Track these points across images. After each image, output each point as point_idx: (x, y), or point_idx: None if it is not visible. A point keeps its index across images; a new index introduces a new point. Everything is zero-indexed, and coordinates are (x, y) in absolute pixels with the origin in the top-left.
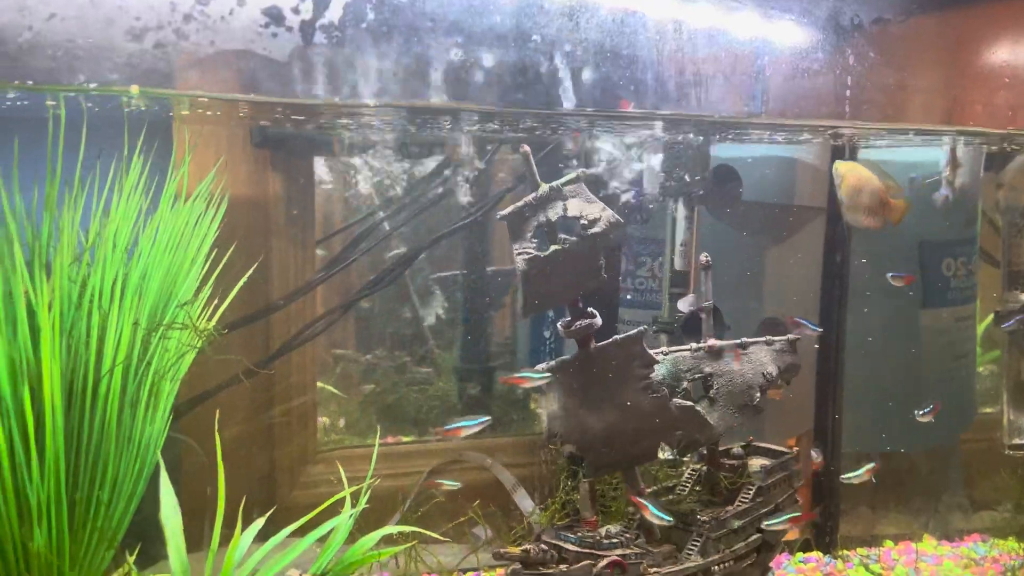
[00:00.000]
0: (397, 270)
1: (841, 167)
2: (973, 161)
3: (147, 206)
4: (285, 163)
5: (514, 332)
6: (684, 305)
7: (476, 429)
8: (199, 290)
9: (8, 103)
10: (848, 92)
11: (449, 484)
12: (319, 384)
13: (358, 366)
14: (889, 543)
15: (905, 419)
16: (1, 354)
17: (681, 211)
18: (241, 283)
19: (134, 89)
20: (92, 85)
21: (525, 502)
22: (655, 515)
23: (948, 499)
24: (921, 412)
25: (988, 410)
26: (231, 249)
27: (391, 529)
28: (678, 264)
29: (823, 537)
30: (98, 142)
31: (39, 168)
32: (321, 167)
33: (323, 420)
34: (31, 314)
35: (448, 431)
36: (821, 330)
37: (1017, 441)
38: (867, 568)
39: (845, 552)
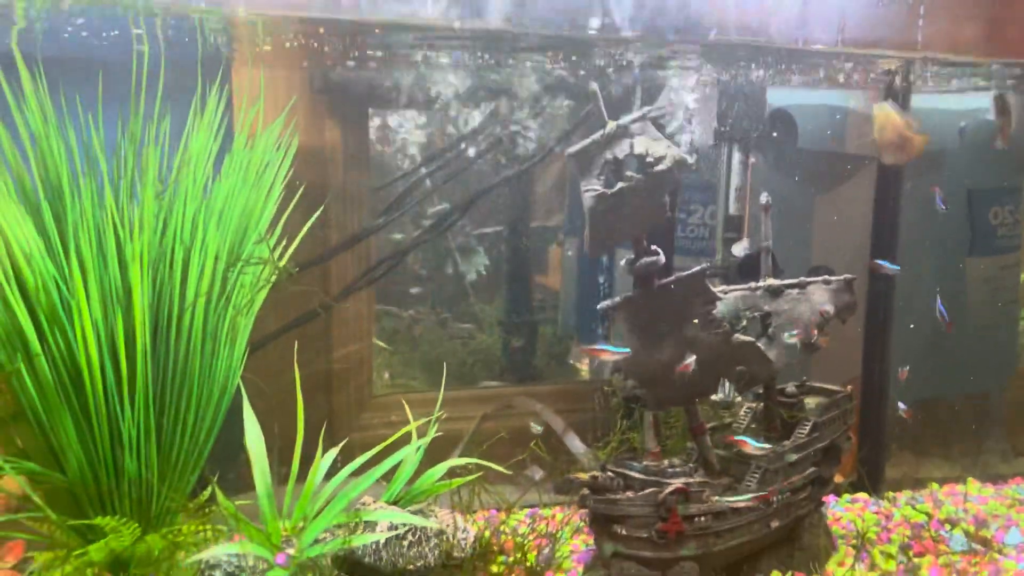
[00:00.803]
0: (448, 221)
1: (876, 109)
2: (1022, 109)
3: (220, 146)
4: (343, 109)
5: (557, 287)
6: (738, 249)
7: (616, 356)
8: (273, 227)
9: (98, 43)
10: (921, 22)
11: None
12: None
13: (402, 321)
14: (934, 485)
15: (950, 366)
16: (94, 284)
17: (736, 156)
18: (310, 222)
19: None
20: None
21: (575, 443)
22: (755, 447)
23: (991, 444)
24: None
25: None
26: (301, 190)
27: (458, 461)
28: (732, 209)
29: (871, 479)
30: (171, 86)
31: (122, 110)
32: (378, 114)
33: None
34: (119, 247)
35: (592, 350)
36: (898, 268)
37: None
38: (914, 507)
39: (892, 493)
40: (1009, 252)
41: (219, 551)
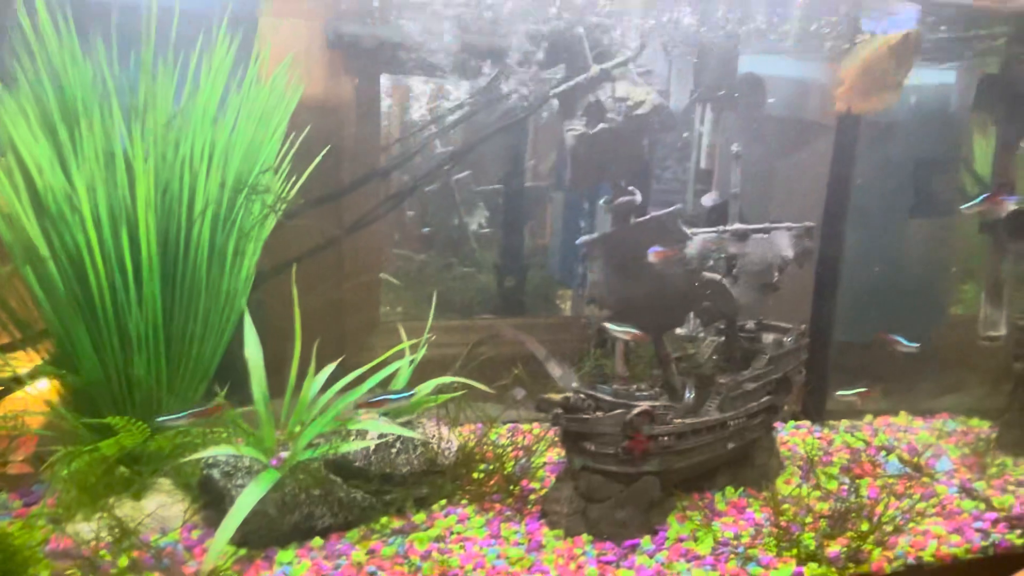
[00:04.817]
0: (445, 167)
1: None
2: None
3: (234, 84)
4: (356, 64)
5: (546, 237)
6: (708, 200)
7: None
8: (278, 164)
9: None
10: None
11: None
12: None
13: (413, 263)
14: (869, 417)
15: (886, 314)
16: (102, 199)
17: (708, 115)
18: (316, 162)
19: None
20: None
21: (556, 370)
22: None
23: (919, 384)
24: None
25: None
26: (306, 130)
27: (445, 379)
28: (703, 163)
29: (814, 408)
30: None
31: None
32: (388, 72)
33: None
34: (129, 168)
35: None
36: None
37: (991, 333)
38: (852, 435)
39: (831, 422)
40: (946, 215)
41: (218, 451)
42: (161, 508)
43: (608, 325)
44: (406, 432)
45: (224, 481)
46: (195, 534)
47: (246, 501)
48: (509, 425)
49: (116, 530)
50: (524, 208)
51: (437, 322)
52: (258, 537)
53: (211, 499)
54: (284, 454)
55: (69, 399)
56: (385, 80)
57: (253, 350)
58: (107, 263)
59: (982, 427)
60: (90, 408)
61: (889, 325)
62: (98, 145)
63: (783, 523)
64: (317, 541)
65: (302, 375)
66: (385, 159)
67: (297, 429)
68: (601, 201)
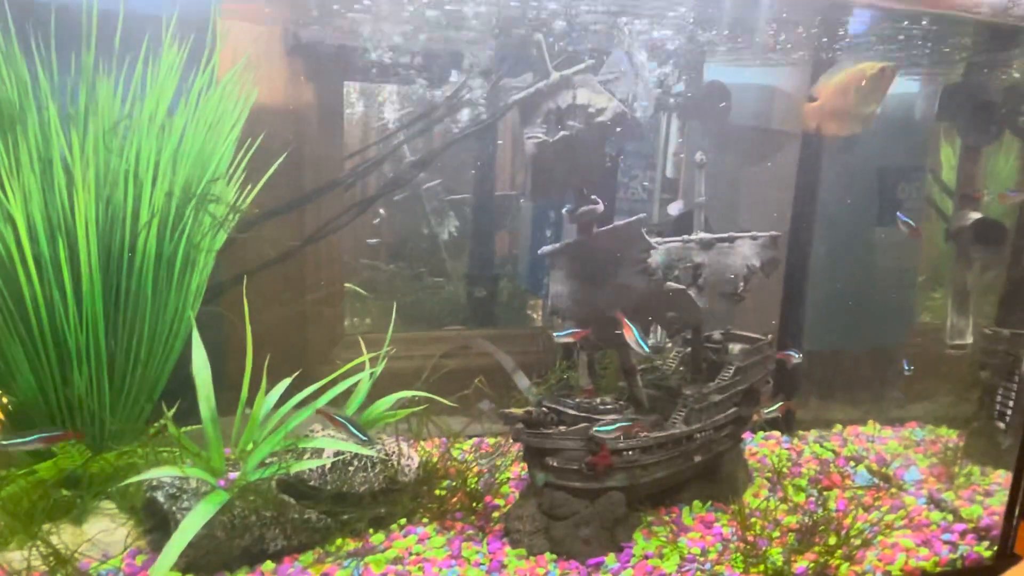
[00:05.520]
0: (410, 174)
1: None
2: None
3: (185, 88)
4: (315, 70)
5: (515, 246)
6: (674, 209)
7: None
8: (231, 173)
9: None
10: None
11: None
12: (347, 285)
13: (383, 273)
14: (838, 427)
15: (857, 322)
16: (37, 210)
17: (674, 123)
18: (273, 168)
19: None
20: None
21: (523, 381)
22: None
23: (887, 392)
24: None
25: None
26: (260, 137)
27: (405, 393)
28: (670, 172)
29: (784, 419)
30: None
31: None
32: (349, 78)
33: (351, 320)
34: (68, 176)
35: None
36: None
37: (958, 341)
38: (821, 446)
39: (801, 432)
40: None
41: (161, 473)
42: (104, 533)
43: (554, 335)
44: (363, 450)
45: (169, 504)
46: (140, 560)
47: (190, 524)
48: (474, 439)
49: (51, 558)
50: (494, 217)
51: (405, 334)
52: (205, 562)
53: (156, 523)
54: (234, 474)
55: (4, 420)
56: (348, 87)
57: (201, 366)
58: (43, 275)
59: (950, 436)
60: (27, 429)
61: (858, 335)
62: (33, 151)
63: (750, 538)
64: (268, 565)
65: (255, 391)
66: (349, 167)
67: (249, 448)
68: (564, 210)
